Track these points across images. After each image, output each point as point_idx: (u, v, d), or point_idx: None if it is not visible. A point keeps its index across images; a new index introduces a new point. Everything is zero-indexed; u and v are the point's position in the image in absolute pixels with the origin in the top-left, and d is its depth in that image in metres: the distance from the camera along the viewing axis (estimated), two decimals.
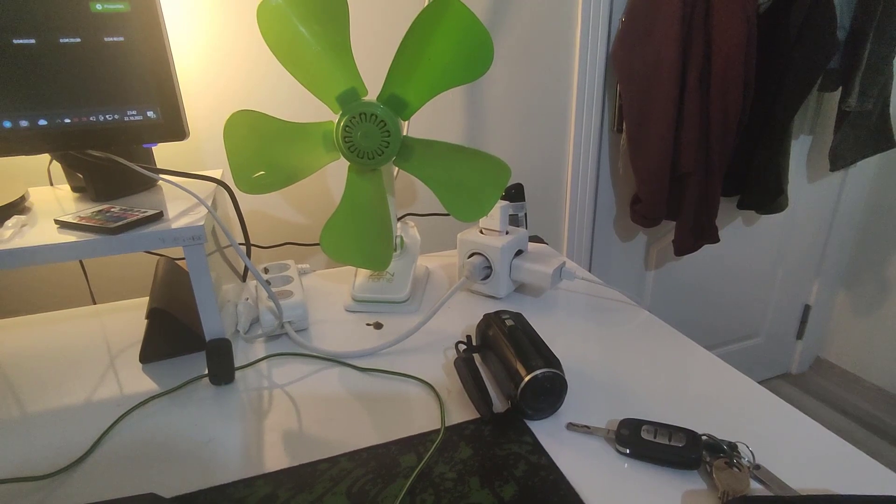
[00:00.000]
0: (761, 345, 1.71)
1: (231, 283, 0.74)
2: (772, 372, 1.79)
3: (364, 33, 0.91)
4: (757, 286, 1.60)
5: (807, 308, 1.71)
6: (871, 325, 1.63)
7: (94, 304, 0.81)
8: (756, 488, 0.42)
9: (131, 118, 0.56)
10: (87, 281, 0.87)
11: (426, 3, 0.56)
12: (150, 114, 0.57)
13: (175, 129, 0.59)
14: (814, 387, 1.73)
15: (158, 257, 0.77)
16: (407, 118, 0.63)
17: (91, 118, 0.55)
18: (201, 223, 0.55)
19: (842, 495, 0.40)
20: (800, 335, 1.75)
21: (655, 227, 1.34)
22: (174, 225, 0.55)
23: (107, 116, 0.56)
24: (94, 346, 0.67)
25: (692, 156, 1.11)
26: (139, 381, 0.59)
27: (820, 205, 1.55)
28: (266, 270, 0.77)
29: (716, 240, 1.23)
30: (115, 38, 0.53)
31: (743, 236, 1.50)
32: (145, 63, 0.56)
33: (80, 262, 0.84)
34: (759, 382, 0.53)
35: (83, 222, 0.54)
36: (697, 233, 1.22)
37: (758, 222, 1.50)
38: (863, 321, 1.66)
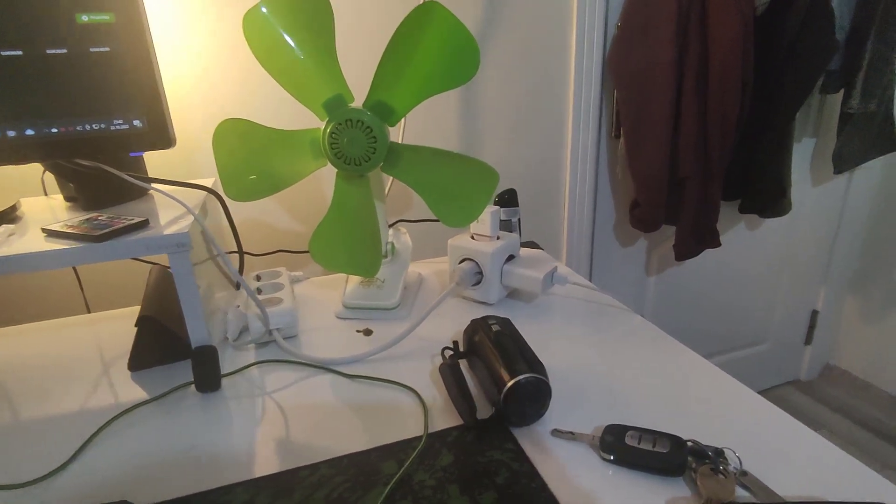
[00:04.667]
0: (768, 351, 1.68)
1: (225, 291, 0.74)
2: (780, 379, 1.76)
3: (350, 40, 0.92)
4: (762, 291, 1.58)
5: (814, 313, 1.68)
6: (882, 330, 1.60)
7: (89, 312, 0.81)
8: (742, 495, 0.41)
9: (118, 127, 0.57)
10: (82, 289, 0.88)
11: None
12: (136, 123, 0.58)
13: (161, 137, 0.59)
14: (824, 394, 1.70)
15: (152, 265, 0.77)
16: (393, 124, 0.63)
17: (78, 127, 0.56)
18: (186, 230, 0.55)
19: (829, 502, 0.39)
20: (808, 341, 1.72)
21: (656, 232, 1.33)
22: (161, 233, 0.55)
23: (93, 126, 0.56)
24: (86, 354, 0.67)
25: (691, 159, 1.10)
26: (127, 389, 0.59)
27: (825, 208, 1.53)
28: (258, 278, 0.77)
29: (717, 244, 1.21)
30: (101, 49, 0.54)
31: (746, 241, 1.48)
32: (131, 73, 0.56)
33: (75, 270, 0.85)
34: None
35: (70, 230, 0.54)
36: (698, 237, 1.20)
37: (762, 227, 1.48)
38: (873, 326, 1.62)
